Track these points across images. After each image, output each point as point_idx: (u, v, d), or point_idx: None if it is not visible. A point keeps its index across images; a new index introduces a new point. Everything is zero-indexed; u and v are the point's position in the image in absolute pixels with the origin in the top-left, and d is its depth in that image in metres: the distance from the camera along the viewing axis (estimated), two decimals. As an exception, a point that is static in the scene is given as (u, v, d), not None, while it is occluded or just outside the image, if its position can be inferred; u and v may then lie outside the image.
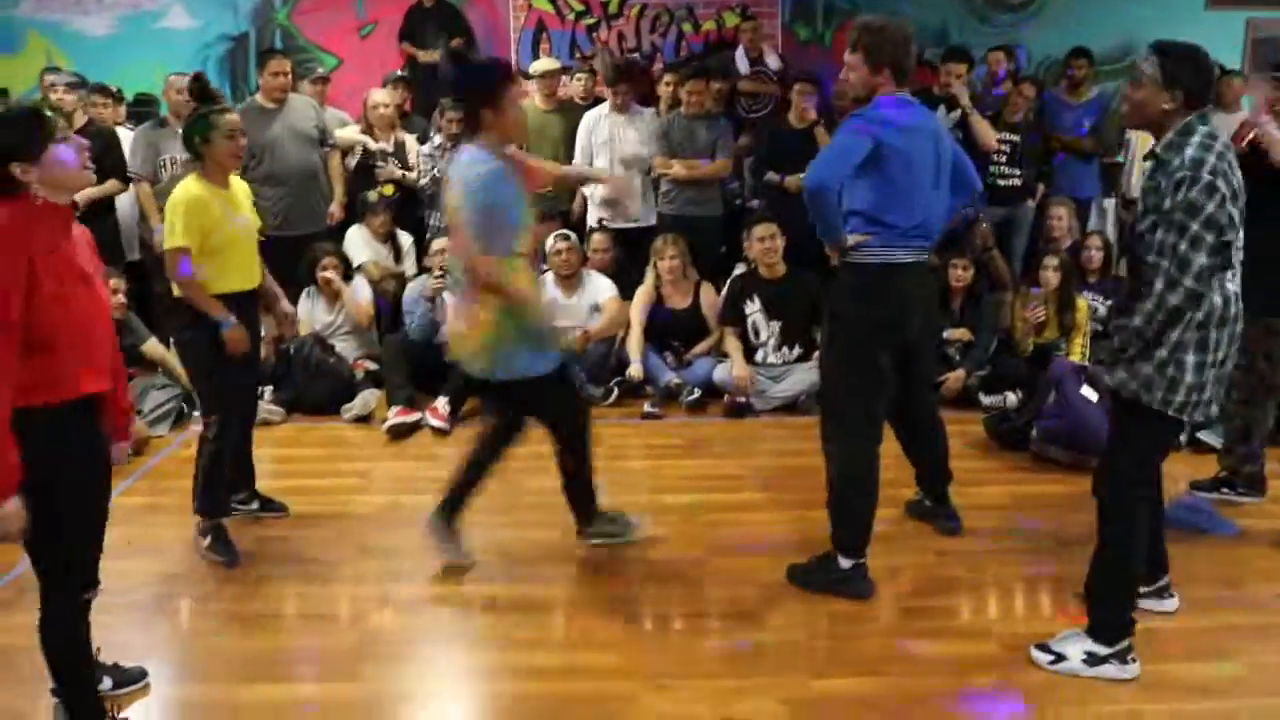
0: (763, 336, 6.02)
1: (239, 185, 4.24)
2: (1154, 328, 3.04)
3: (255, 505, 4.57)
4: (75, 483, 2.73)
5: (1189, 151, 2.99)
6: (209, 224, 3.98)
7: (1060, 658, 3.34)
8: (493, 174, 3.58)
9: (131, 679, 3.28)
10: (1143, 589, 3.51)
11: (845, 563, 3.80)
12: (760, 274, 6.09)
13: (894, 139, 3.56)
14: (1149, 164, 3.16)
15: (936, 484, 4.36)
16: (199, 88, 4.08)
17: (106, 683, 3.18)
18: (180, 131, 6.20)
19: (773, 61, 7.83)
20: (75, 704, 2.92)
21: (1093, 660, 3.29)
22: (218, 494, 4.22)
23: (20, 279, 2.53)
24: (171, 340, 4.32)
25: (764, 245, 5.98)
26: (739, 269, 6.51)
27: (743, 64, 7.78)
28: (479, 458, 4.01)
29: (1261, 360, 4.45)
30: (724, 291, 6.29)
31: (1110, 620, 3.30)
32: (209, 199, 4.00)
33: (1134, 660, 3.29)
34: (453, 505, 4.01)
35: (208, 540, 4.17)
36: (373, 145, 6.95)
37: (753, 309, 6.02)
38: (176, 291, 4.05)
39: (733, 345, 6.03)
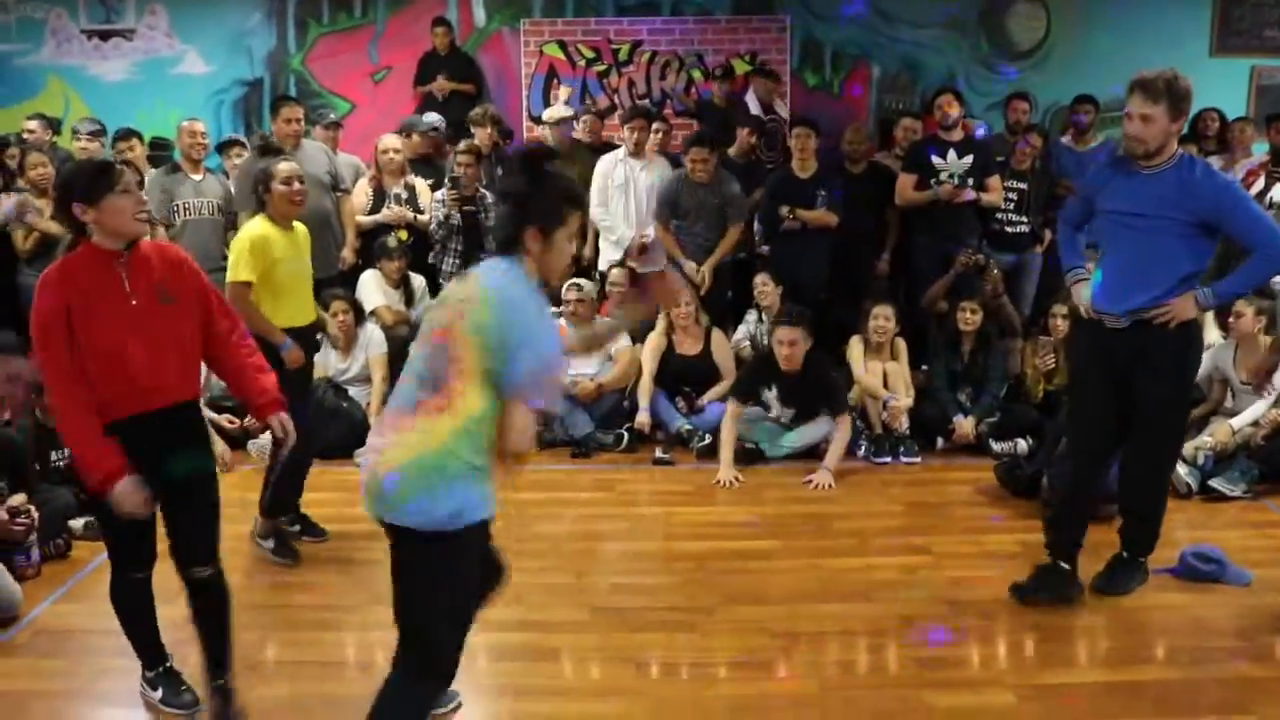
0: (773, 413, 5.92)
1: (301, 230, 4.50)
2: None
3: (296, 527, 4.75)
4: None
5: None
6: (271, 261, 4.25)
7: None
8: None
9: None
10: None
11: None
12: (779, 366, 5.84)
13: None
14: None
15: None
16: (264, 145, 4.52)
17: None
18: (192, 178, 6.45)
19: (782, 109, 7.89)
20: None
21: None
22: (283, 496, 4.52)
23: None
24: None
25: (785, 351, 5.74)
26: (750, 315, 6.54)
27: (754, 107, 7.84)
28: None
29: None
30: (741, 371, 6.14)
31: None
32: (273, 238, 4.28)
33: None
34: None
35: (271, 543, 4.53)
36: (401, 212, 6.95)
37: (768, 395, 5.91)
38: None
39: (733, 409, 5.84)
